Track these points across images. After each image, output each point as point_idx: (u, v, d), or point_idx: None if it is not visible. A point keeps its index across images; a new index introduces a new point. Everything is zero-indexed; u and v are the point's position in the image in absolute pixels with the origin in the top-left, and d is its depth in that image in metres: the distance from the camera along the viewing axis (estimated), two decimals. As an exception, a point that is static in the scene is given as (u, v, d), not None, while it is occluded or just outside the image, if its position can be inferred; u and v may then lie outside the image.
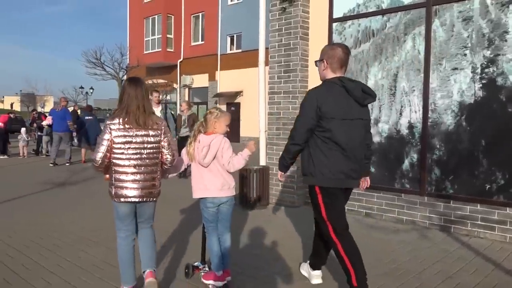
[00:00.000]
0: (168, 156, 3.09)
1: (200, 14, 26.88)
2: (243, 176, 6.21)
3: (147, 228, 3.21)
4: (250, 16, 22.95)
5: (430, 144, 5.17)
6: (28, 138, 13.97)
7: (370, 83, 5.62)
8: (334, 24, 5.98)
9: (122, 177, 2.96)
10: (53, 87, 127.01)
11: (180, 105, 8.86)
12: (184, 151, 3.38)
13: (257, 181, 6.16)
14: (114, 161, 2.96)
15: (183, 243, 4.56)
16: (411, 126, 5.32)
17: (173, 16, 27.75)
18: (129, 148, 2.94)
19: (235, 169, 3.28)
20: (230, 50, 25.47)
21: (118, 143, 2.92)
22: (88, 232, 4.85)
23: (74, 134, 12.12)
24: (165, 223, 5.25)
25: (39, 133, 14.48)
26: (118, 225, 3.11)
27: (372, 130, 5.54)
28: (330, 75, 3.08)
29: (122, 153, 2.94)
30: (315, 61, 3.26)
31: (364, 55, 5.69)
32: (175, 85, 27.78)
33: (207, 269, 3.51)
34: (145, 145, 2.98)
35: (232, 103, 24.96)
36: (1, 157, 13.42)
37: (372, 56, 5.62)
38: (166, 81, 26.58)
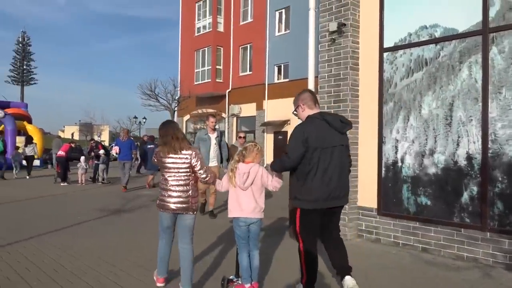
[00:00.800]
0: (203, 175, 3.88)
1: (248, 45, 27.60)
2: (293, 208, 6.16)
3: (186, 243, 3.85)
4: (297, 46, 23.27)
5: (492, 176, 4.91)
6: (86, 166, 14.71)
7: (424, 113, 5.48)
8: (385, 54, 5.94)
9: (164, 193, 3.85)
10: (109, 117, 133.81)
11: (238, 137, 9.03)
12: (225, 177, 3.92)
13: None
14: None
15: (221, 258, 4.84)
16: (469, 157, 5.09)
17: (222, 48, 28.68)
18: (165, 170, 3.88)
19: (277, 187, 3.88)
20: (278, 79, 25.82)
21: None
22: (144, 260, 4.97)
23: (137, 162, 13.33)
24: (206, 241, 5.29)
25: (96, 162, 15.22)
26: (160, 232, 3.97)
27: (427, 161, 5.40)
28: (309, 112, 3.75)
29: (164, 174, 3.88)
30: (293, 112, 4.00)
31: (417, 85, 5.58)
32: (223, 115, 28.40)
33: (240, 282, 3.90)
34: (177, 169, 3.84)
35: (279, 131, 25.08)
36: (62, 184, 14.18)
37: (425, 85, 5.50)
38: (215, 111, 27.21)
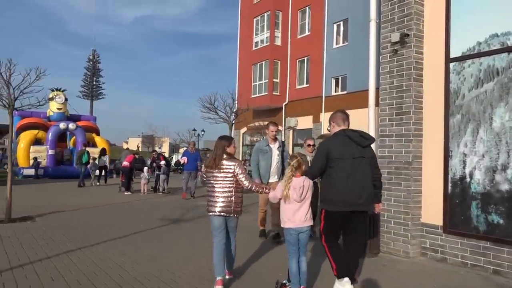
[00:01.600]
0: (245, 183, 4.41)
1: (305, 58, 27.57)
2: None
3: (231, 239, 4.58)
4: (356, 58, 22.90)
5: None
6: (149, 177, 15.33)
7: (495, 125, 5.15)
8: (452, 64, 5.68)
9: (211, 198, 4.46)
10: (170, 129, 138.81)
11: (307, 145, 7.44)
12: (279, 188, 4.17)
13: (368, 228, 5.90)
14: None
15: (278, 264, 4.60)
16: (548, 174, 4.70)
17: (279, 61, 28.90)
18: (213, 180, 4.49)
19: None
20: (335, 92, 25.50)
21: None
22: (202, 269, 5.05)
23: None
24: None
25: (157, 172, 15.82)
26: (213, 233, 4.47)
27: (499, 177, 5.05)
28: (336, 129, 4.33)
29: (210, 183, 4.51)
30: (327, 128, 4.71)
31: (487, 96, 5.27)
32: (280, 127, 28.49)
33: (291, 286, 4.17)
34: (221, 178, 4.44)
35: (336, 144, 24.64)
36: (126, 193, 14.87)
37: (496, 96, 5.17)
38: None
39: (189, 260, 5.55)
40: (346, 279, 4.06)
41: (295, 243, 4.09)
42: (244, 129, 32.04)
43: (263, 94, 29.16)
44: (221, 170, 4.40)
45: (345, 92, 24.47)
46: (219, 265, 4.33)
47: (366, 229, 5.18)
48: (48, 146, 23.99)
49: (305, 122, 26.51)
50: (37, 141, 24.50)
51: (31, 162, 23.19)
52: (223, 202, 4.38)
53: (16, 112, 25.69)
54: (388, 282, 4.78)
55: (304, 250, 4.17)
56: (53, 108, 25.78)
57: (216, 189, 4.42)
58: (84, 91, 78.28)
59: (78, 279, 4.64)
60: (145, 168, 15.37)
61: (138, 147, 52.95)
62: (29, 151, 23.61)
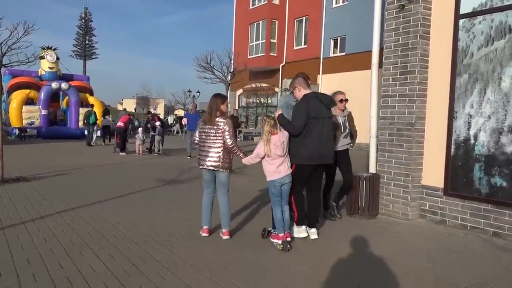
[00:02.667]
0: (228, 141, 4.57)
1: (304, 18, 26.84)
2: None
3: (222, 195, 4.72)
4: (355, 18, 22.28)
5: None
6: (144, 138, 15.11)
7: (504, 85, 4.95)
8: (461, 21, 5.39)
9: (202, 153, 4.71)
10: (165, 91, 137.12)
11: (339, 101, 5.55)
12: (261, 150, 4.43)
13: (366, 189, 5.80)
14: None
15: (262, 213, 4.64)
16: (556, 136, 4.55)
17: (277, 21, 28.13)
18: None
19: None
20: (333, 53, 25.01)
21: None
22: (198, 230, 4.96)
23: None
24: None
25: (152, 133, 15.61)
26: (204, 186, 4.84)
27: (505, 139, 4.91)
28: (304, 92, 4.70)
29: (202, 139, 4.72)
30: (290, 92, 5.02)
31: (497, 54, 5.03)
32: (276, 89, 28.10)
33: (277, 232, 4.49)
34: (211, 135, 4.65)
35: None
36: (121, 154, 14.71)
37: (507, 54, 4.93)
38: (268, 85, 27.02)
39: (185, 221, 5.46)
40: (304, 227, 4.74)
41: (279, 194, 4.49)
42: (240, 91, 31.63)
43: (260, 55, 28.58)
44: (213, 126, 4.60)
45: (343, 53, 24.00)
46: (205, 215, 4.76)
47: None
48: (40, 106, 23.55)
49: (302, 84, 26.10)
50: (29, 101, 24.04)
51: (24, 122, 22.84)
52: (212, 156, 4.61)
53: (6, 70, 25.50)
54: (387, 243, 4.73)
55: (286, 199, 4.57)
56: (45, 67, 25.12)
57: (207, 144, 4.65)
58: (77, 51, 76.42)
59: (72, 239, 4.53)
60: (140, 129, 15.14)
61: (135, 109, 52.40)
62: (21, 111, 23.19)
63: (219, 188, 4.73)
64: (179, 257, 4.07)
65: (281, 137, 4.41)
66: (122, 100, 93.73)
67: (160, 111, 71.71)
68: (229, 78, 11.31)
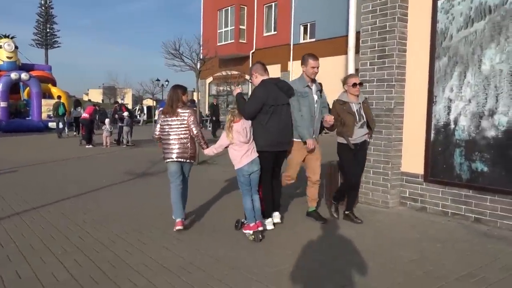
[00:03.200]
0: (194, 130, 4.65)
1: (273, 3, 26.46)
2: (328, 172, 5.73)
3: (185, 182, 4.85)
4: (325, 4, 22.09)
5: None
6: (111, 129, 14.50)
7: (485, 68, 4.82)
8: (440, 2, 5.22)
9: (166, 146, 4.68)
10: (132, 80, 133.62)
11: (353, 84, 4.87)
12: (223, 139, 4.43)
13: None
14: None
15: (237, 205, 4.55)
16: (537, 119, 4.47)
17: (246, 7, 27.62)
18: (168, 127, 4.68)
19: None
20: (304, 39, 24.81)
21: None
22: (172, 227, 4.65)
23: None
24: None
25: (119, 124, 15.00)
26: (170, 179, 4.74)
27: (486, 123, 4.80)
28: (260, 79, 4.66)
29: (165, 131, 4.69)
30: (249, 80, 5.37)
31: (477, 36, 4.89)
32: (247, 76, 27.68)
33: (248, 222, 4.41)
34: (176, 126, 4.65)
35: (305, 94, 24.34)
36: (87, 146, 14.08)
37: (487, 36, 4.80)
38: (238, 72, 26.57)
39: (157, 217, 5.13)
40: (270, 219, 4.68)
41: (248, 183, 4.41)
42: (210, 79, 31.05)
43: (229, 41, 28.06)
44: (176, 118, 4.60)
45: (313, 39, 23.84)
46: (177, 208, 4.63)
47: None
48: (-1, 98, 22.31)
49: (273, 71, 25.61)
50: (-13, 93, 22.70)
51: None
52: (179, 148, 4.61)
53: (-38, 60, 23.94)
54: (369, 233, 4.56)
55: (255, 189, 4.51)
56: (2, 56, 23.75)
57: (172, 137, 4.62)
58: (37, 39, 73.32)
59: (32, 244, 4.13)
60: (107, 120, 14.51)
61: (103, 100, 50.73)
62: (-22, 104, 21.91)
63: (183, 178, 4.79)
64: (152, 258, 3.76)
65: (243, 123, 4.38)
66: (88, 90, 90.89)
67: (128, 101, 69.85)
68: (199, 66, 10.84)
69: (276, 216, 4.86)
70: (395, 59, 5.48)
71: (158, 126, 4.76)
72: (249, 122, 4.47)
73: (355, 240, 4.32)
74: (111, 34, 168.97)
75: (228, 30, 28.16)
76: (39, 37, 73.15)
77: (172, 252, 3.94)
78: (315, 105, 4.91)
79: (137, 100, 70.98)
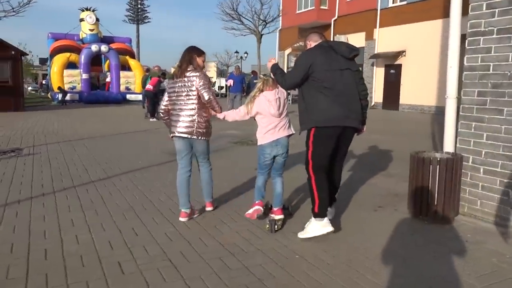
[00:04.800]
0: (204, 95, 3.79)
1: (359, -37, 23.68)
2: (417, 168, 3.96)
3: (202, 163, 4.09)
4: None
5: None
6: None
7: None
8: None
9: (172, 118, 3.92)
10: (208, 52, 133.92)
11: None
12: (242, 109, 3.80)
13: (441, 178, 3.82)
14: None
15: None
16: None
17: (328, -31, 25.15)
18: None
19: None
20: (393, 3, 21.86)
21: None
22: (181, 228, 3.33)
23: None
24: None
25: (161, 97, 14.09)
26: (177, 158, 4.05)
27: None
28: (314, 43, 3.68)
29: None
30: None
31: None
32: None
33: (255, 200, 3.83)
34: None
35: (391, 65, 21.65)
36: (151, 119, 13.42)
37: None
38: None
39: (169, 213, 3.88)
40: (327, 220, 3.44)
41: (267, 167, 3.78)
42: (288, 50, 29.28)
43: (309, 8, 25.91)
44: (184, 83, 3.81)
45: (404, 2, 20.87)
46: (182, 196, 3.95)
47: None
48: (81, 70, 22.86)
49: (356, 40, 23.23)
50: (72, 65, 23.39)
51: (66, 87, 22.32)
52: (184, 121, 3.83)
53: (49, 34, 24.99)
54: (473, 267, 2.84)
55: (280, 172, 3.86)
56: (85, 29, 24.34)
57: (177, 107, 3.85)
58: (130, 15, 77.14)
59: (-12, 255, 3.08)
60: (170, 92, 13.68)
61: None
62: (62, 75, 22.67)
63: (198, 158, 4.07)
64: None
65: (277, 93, 3.68)
66: (176, 64, 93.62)
67: (213, 74, 70.52)
68: (261, 29, 9.30)
69: (330, 212, 3.73)
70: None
71: (166, 96, 3.96)
72: (285, 93, 3.74)
73: (445, 268, 2.63)
74: (196, 10, 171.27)
75: (308, -4, 25.98)
76: (131, 13, 76.95)
77: (180, 264, 2.62)
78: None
79: (222, 72, 71.50)
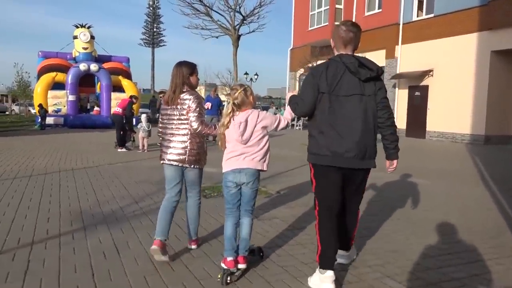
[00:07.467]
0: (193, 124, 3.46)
1: (378, -26, 21.26)
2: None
3: (192, 195, 3.71)
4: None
5: None
6: (150, 128, 11.05)
7: None
8: None
9: (163, 143, 3.63)
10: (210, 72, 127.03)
11: None
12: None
13: None
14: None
15: None
16: None
17: (344, -18, 22.80)
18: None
19: (289, 119, 3.38)
20: (418, 16, 19.24)
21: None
22: None
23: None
24: None
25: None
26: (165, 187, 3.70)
27: None
28: (335, 53, 3.18)
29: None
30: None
31: None
32: (343, 66, 22.94)
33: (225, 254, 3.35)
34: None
35: (416, 86, 18.88)
36: (119, 150, 10.91)
37: None
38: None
39: None
40: (330, 273, 2.91)
41: (233, 199, 3.19)
42: (301, 71, 26.77)
43: (322, 25, 23.50)
44: (177, 106, 3.49)
45: (431, 15, 18.22)
46: (160, 225, 3.46)
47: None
48: (68, 91, 20.66)
49: (375, 58, 20.42)
50: (61, 86, 21.24)
51: (50, 109, 20.17)
52: (175, 148, 3.51)
53: (39, 53, 23.03)
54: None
55: (247, 208, 3.23)
56: (78, 47, 22.26)
57: (169, 131, 3.56)
58: (145, 39, 77.21)
59: None
60: (143, 116, 11.11)
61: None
62: (47, 97, 20.54)
63: (188, 188, 3.66)
64: None
65: (248, 116, 3.10)
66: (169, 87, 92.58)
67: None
68: (236, 24, 6.80)
69: (342, 256, 3.34)
70: None
71: (159, 118, 3.67)
72: (262, 116, 3.11)
73: None
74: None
75: (321, 11, 23.61)
76: (146, 36, 77.16)
77: None
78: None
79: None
